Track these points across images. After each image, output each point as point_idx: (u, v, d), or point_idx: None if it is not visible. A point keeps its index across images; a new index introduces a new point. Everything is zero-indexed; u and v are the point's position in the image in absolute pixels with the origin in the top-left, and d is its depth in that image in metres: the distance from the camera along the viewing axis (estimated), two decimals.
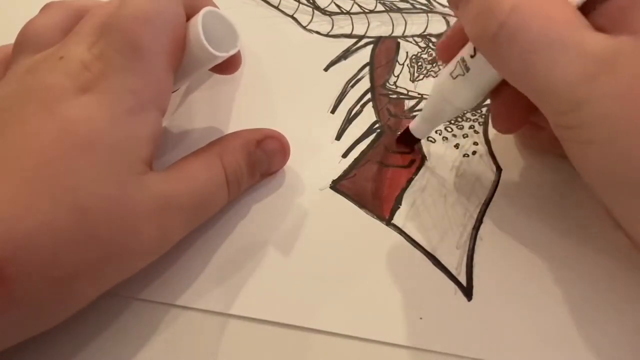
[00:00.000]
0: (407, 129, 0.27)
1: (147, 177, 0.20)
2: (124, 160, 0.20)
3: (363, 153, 0.27)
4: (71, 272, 0.18)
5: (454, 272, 0.24)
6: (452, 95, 0.24)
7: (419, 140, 0.27)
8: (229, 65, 0.28)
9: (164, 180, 0.21)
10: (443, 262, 0.24)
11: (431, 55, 0.32)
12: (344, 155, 0.27)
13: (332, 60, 0.31)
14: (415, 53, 0.32)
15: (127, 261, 0.20)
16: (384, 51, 0.32)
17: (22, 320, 0.18)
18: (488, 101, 0.30)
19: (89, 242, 0.19)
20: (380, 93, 0.30)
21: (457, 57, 0.23)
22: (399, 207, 0.26)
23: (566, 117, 0.19)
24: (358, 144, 0.28)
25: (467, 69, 0.22)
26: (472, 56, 0.22)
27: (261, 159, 0.25)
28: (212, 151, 0.23)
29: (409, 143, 0.27)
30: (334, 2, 0.34)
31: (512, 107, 0.24)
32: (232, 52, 0.24)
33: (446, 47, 0.24)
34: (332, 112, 0.29)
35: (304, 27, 0.33)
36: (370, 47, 0.32)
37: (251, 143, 0.24)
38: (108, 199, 0.19)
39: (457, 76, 0.23)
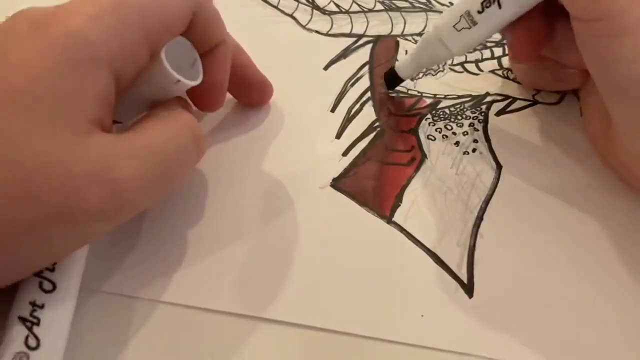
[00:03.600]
0: (393, 68, 0.28)
1: (93, 138, 0.19)
2: (63, 115, 0.18)
3: (363, 151, 0.28)
4: (8, 230, 0.18)
5: (455, 269, 0.24)
6: (453, 43, 0.25)
7: (402, 81, 0.29)
8: (258, 96, 0.29)
9: (115, 143, 0.20)
10: (444, 259, 0.24)
11: None
12: (344, 154, 0.27)
13: (331, 59, 0.31)
14: None
15: (73, 226, 0.19)
16: (384, 50, 0.32)
17: None
18: (488, 98, 0.30)
19: (25, 200, 0.18)
20: (380, 92, 0.30)
21: (459, 11, 0.24)
22: (400, 205, 0.26)
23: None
24: (358, 142, 0.28)
25: (474, 23, 0.24)
26: (479, 12, 0.24)
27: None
28: (169, 114, 0.22)
29: (392, 83, 0.29)
30: (333, 2, 0.34)
31: (530, 39, 0.25)
32: (191, 84, 0.23)
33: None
34: (332, 110, 0.29)
35: (304, 27, 0.33)
36: (369, 46, 0.32)
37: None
38: (44, 155, 0.18)
39: (461, 29, 0.24)
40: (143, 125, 0.21)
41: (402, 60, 0.28)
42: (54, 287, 0.20)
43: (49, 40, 0.19)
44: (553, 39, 0.25)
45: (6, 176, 0.17)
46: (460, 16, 0.24)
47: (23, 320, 0.19)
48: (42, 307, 0.20)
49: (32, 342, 0.19)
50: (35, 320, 0.20)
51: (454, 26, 0.25)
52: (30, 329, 0.19)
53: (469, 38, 0.25)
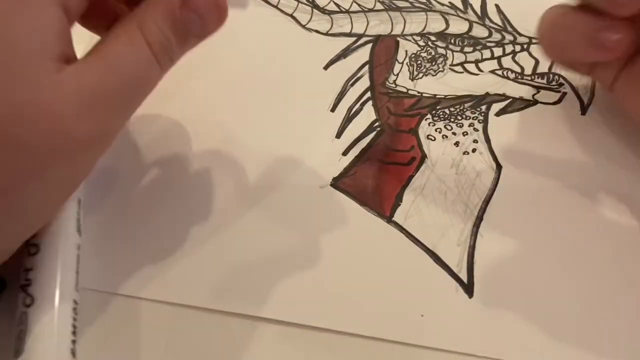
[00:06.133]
0: None
1: (64, 74, 0.19)
2: (28, 60, 0.18)
3: (363, 151, 0.28)
4: (8, 182, 0.18)
5: (454, 269, 0.24)
6: None
7: None
8: None
9: (85, 72, 0.20)
10: (444, 259, 0.24)
11: (430, 53, 0.32)
12: (344, 153, 0.27)
13: (331, 59, 0.31)
14: (415, 52, 0.32)
15: (67, 162, 0.20)
16: (383, 50, 0.32)
17: None
18: (488, 98, 0.30)
19: (16, 151, 0.18)
20: (380, 91, 0.30)
21: None
22: (400, 205, 0.26)
23: None
24: (358, 142, 0.28)
25: None
26: None
27: (190, 19, 0.22)
28: (131, 25, 0.21)
29: None
30: (333, 1, 0.34)
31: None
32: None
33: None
34: (332, 110, 0.29)
35: (303, 26, 0.33)
36: (369, 45, 0.32)
37: (174, 5, 0.21)
38: (23, 104, 0.18)
39: None
40: (104, 45, 0.21)
41: None
42: (38, 249, 0.21)
43: None
44: None
45: None
46: None
47: (22, 287, 0.21)
48: (31, 269, 0.21)
49: (28, 300, 0.21)
50: (28, 282, 0.21)
51: None
52: (25, 291, 0.21)
53: None
